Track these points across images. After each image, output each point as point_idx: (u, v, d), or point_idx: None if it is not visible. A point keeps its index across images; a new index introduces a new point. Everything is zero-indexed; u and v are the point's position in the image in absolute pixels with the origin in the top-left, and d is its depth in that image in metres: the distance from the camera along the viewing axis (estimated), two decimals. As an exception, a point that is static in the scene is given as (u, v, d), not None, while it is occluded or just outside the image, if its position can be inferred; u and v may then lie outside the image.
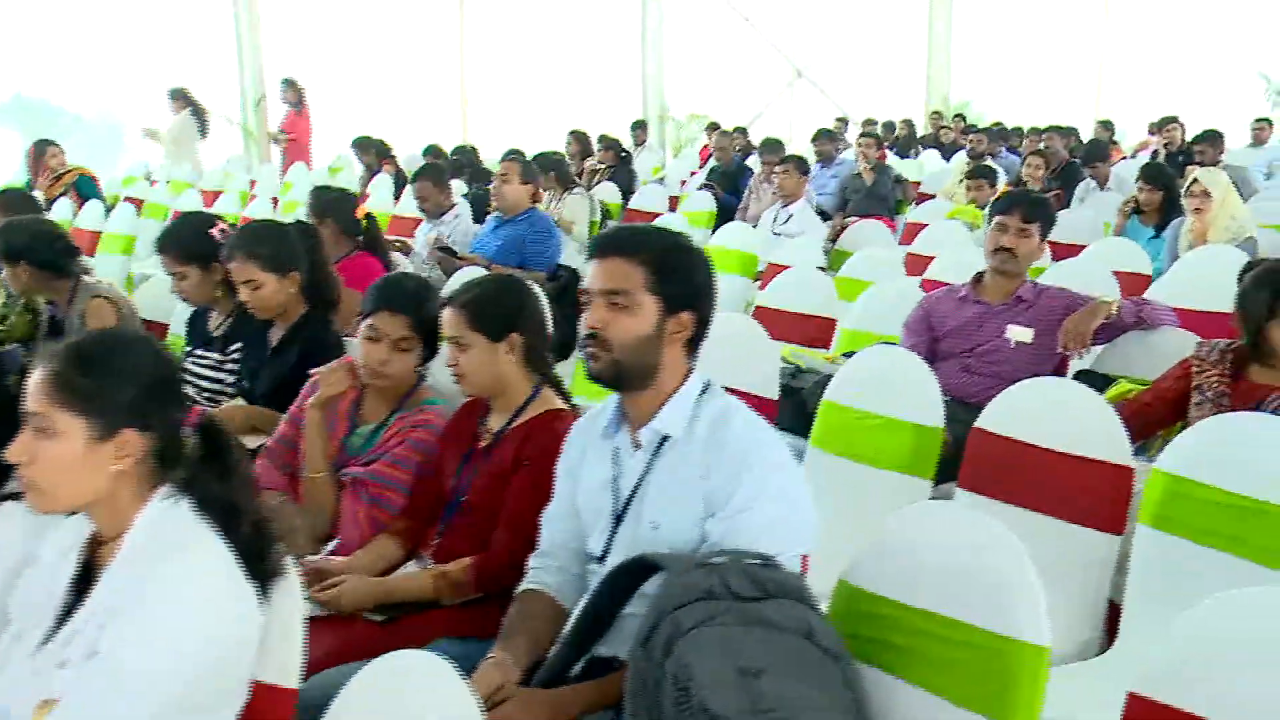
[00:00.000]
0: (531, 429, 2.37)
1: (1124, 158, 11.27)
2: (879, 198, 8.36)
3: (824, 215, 8.57)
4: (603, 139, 9.80)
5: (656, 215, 8.03)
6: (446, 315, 2.38)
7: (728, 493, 1.92)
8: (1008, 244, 3.54)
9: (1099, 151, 7.87)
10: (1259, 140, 10.89)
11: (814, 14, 15.15)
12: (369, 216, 4.48)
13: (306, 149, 10.97)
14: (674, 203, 8.63)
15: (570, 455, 2.16)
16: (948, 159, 11.47)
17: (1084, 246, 5.66)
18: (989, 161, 9.35)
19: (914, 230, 6.54)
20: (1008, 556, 1.81)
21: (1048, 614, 2.55)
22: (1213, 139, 8.48)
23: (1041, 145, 9.55)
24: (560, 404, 2.43)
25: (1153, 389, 3.20)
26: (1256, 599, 1.63)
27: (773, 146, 8.33)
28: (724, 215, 7.75)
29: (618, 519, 2.04)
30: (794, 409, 3.54)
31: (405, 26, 13.07)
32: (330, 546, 2.55)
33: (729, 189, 8.81)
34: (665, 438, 2.01)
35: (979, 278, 3.68)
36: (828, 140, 9.24)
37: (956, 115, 14.00)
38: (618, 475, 2.05)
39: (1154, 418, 3.14)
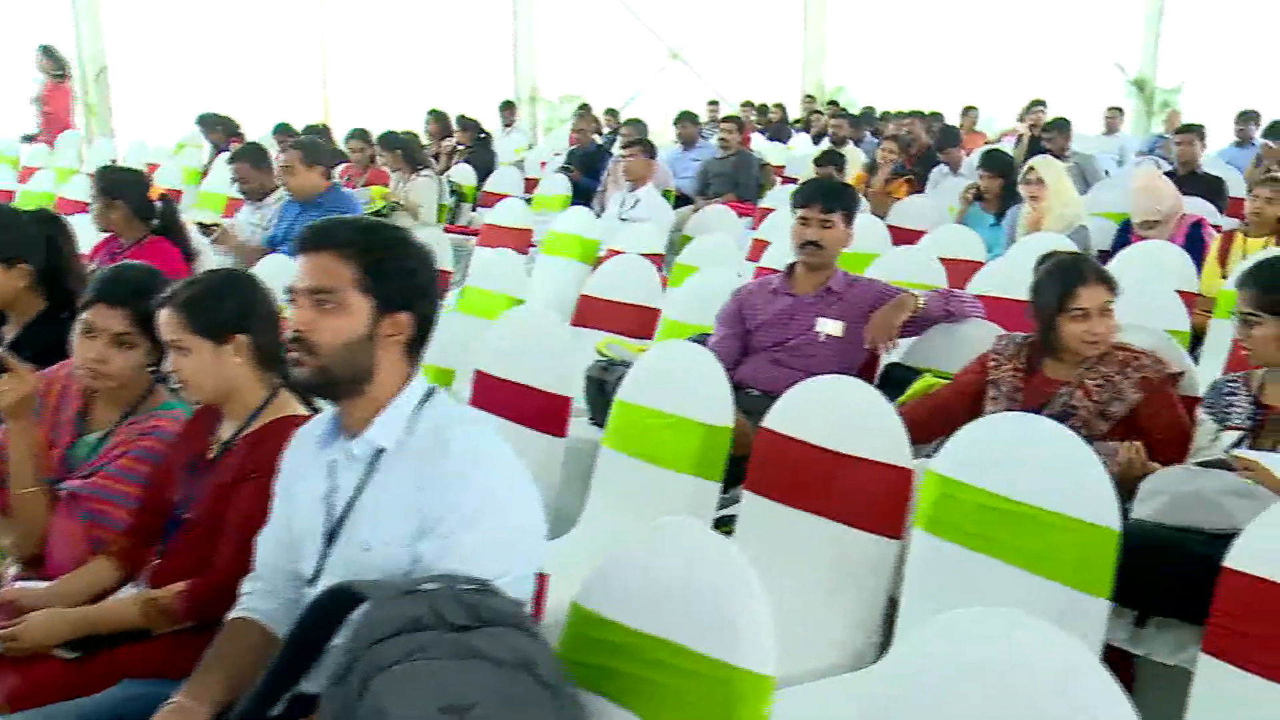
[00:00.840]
0: (261, 437, 2.17)
1: (990, 144, 11.45)
2: (741, 182, 8.31)
3: (687, 199, 8.52)
4: (461, 119, 9.53)
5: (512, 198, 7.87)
6: (163, 316, 2.16)
7: (441, 511, 1.75)
8: (812, 236, 3.45)
9: (951, 137, 7.92)
10: (1111, 129, 11.15)
11: (690, -5, 15.05)
12: (164, 198, 4.19)
13: (66, 122, 10.40)
14: (530, 185, 8.44)
15: (286, 468, 1.97)
16: (819, 143, 11.49)
17: (924, 233, 5.66)
18: (851, 146, 9.39)
19: (764, 215, 6.47)
20: (736, 580, 1.69)
21: (827, 621, 2.50)
22: (1061, 127, 8.61)
23: (903, 130, 9.62)
24: (298, 409, 2.23)
25: (952, 384, 3.15)
26: (971, 622, 1.53)
27: (633, 128, 8.18)
28: (585, 199, 7.59)
29: (329, 538, 1.86)
30: (604, 406, 3.41)
31: (267, 4, 12.56)
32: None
33: (588, 172, 8.63)
34: (380, 450, 1.83)
35: (791, 269, 3.58)
36: (689, 123, 9.13)
37: (830, 100, 14.04)
38: (332, 490, 1.87)
39: (953, 414, 3.06)
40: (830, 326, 3.44)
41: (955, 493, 2.33)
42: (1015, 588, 2.22)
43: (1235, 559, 2.00)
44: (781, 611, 2.50)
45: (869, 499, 2.49)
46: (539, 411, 3.08)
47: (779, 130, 12.95)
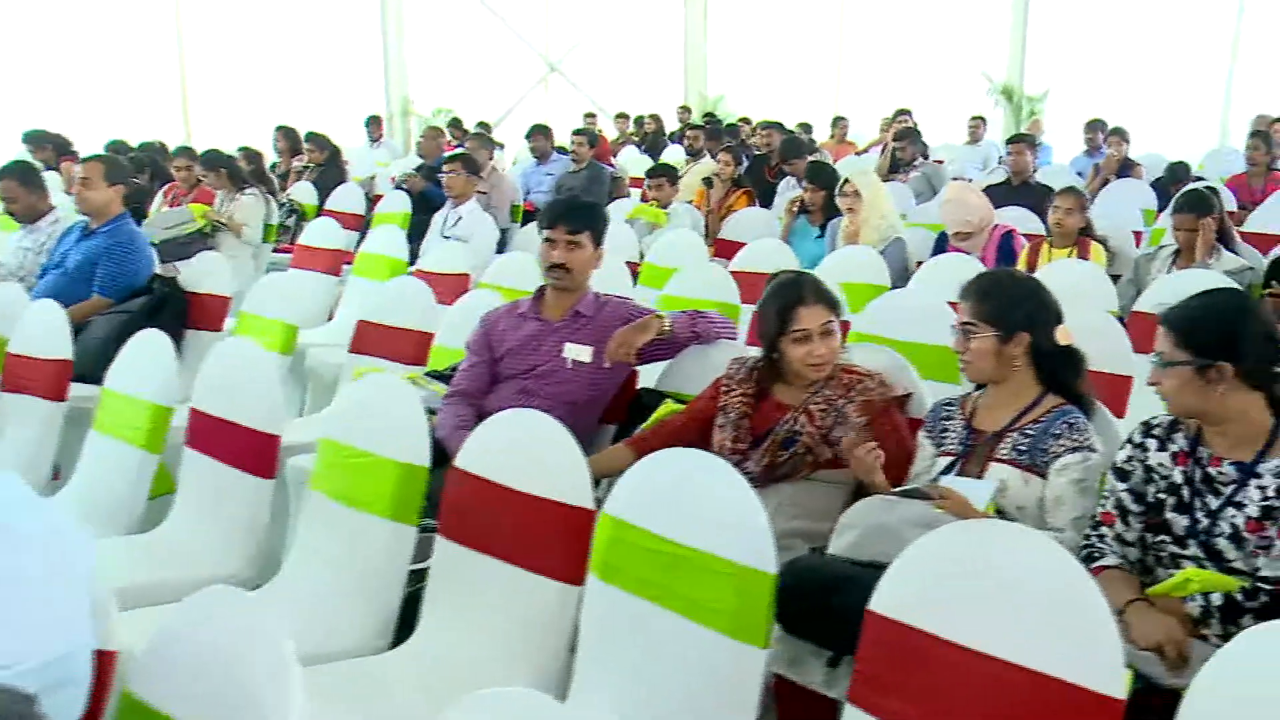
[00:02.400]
0: None
1: (859, 153, 11.48)
2: (593, 196, 8.17)
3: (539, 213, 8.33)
4: (310, 135, 9.24)
5: (356, 215, 7.63)
6: None
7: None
8: (558, 259, 3.29)
9: (795, 148, 7.85)
10: (975, 137, 11.23)
11: (567, 8, 14.91)
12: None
13: None
14: (376, 202, 8.20)
15: None
16: (693, 156, 11.41)
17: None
18: (707, 158, 9.31)
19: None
20: (268, 653, 1.51)
21: (508, 672, 2.33)
22: (910, 136, 8.62)
23: (761, 141, 9.58)
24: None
25: (685, 411, 3.01)
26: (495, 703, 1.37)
27: (477, 140, 7.99)
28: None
29: None
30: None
31: (117, 10, 12.11)
32: None
33: (436, 186, 8.41)
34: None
35: (540, 293, 3.42)
36: (542, 137, 8.96)
37: (707, 112, 13.99)
38: None
39: (686, 442, 2.90)
40: (578, 352, 3.28)
41: (625, 535, 2.18)
42: (680, 638, 2.07)
43: (878, 601, 1.87)
44: (462, 664, 2.36)
45: (551, 542, 2.33)
46: (247, 451, 2.88)
47: (655, 142, 12.86)
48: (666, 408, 3.11)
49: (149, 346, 3.19)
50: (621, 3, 15.14)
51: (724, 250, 6.07)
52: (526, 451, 2.42)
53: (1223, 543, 2.14)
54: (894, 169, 9.04)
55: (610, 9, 15.12)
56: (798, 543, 2.68)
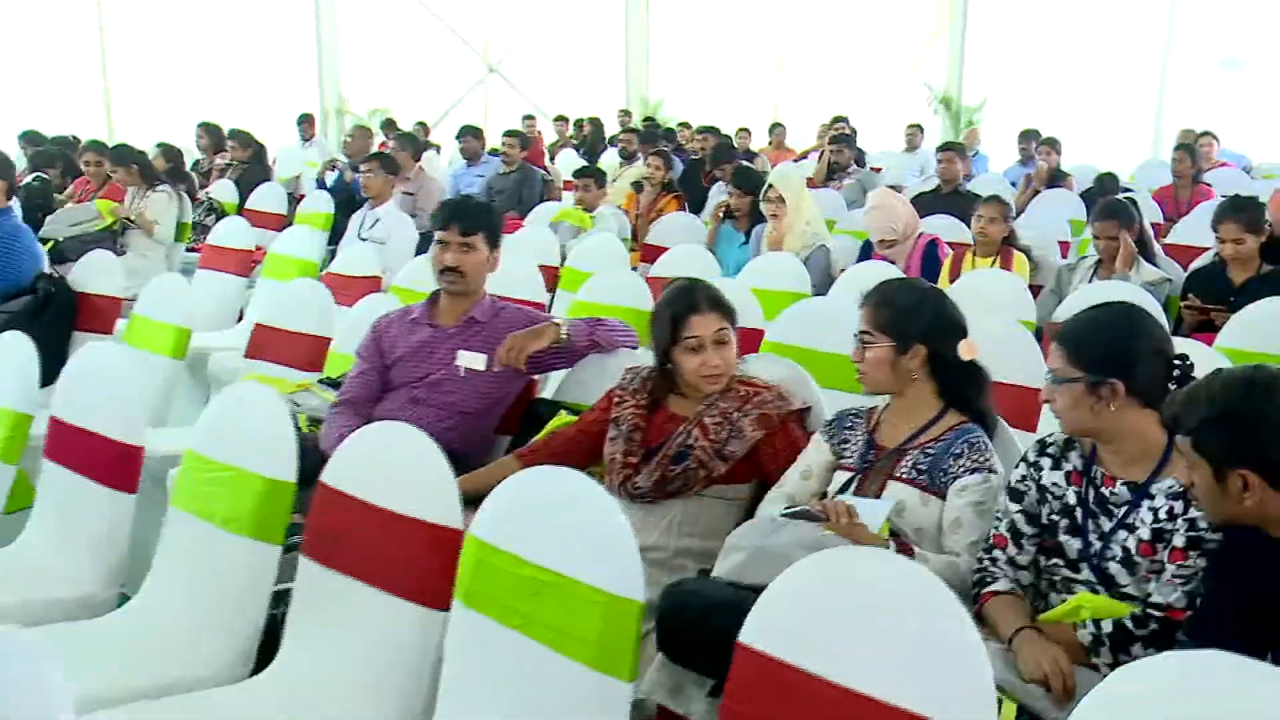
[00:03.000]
0: None
1: (798, 158, 11.44)
2: (524, 198, 8.03)
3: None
4: (234, 132, 8.99)
5: (277, 215, 7.41)
6: None
7: None
8: (451, 262, 3.14)
9: (725, 153, 7.77)
10: (912, 145, 11.23)
11: (507, 9, 14.74)
12: None
13: None
14: (299, 201, 7.98)
15: None
16: (630, 159, 11.29)
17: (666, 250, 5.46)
18: (640, 162, 9.19)
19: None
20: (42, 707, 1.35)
21: (369, 706, 2.18)
22: (845, 142, 8.58)
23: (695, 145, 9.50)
24: None
25: (577, 423, 2.87)
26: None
27: (400, 141, 7.80)
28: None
29: None
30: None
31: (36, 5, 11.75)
32: None
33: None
34: None
35: (435, 298, 3.27)
36: (473, 138, 8.80)
37: (647, 117, 13.88)
38: None
39: (577, 456, 2.80)
40: (472, 360, 3.13)
41: (490, 559, 2.04)
42: (543, 669, 1.93)
43: (746, 632, 1.75)
44: (323, 693, 2.21)
45: (416, 564, 2.19)
46: (107, 462, 2.70)
47: (593, 145, 12.72)
48: (560, 419, 2.98)
49: (9, 349, 2.99)
50: (562, 5, 14.99)
51: (650, 255, 5.95)
52: (393, 467, 2.28)
53: (1114, 566, 2.06)
54: (831, 175, 9.02)
55: (551, 11, 14.97)
56: (689, 562, 2.57)
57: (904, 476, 2.37)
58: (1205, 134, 9.40)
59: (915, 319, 2.41)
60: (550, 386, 3.32)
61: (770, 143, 11.81)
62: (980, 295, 4.34)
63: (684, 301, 2.67)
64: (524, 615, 1.98)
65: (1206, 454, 1.75)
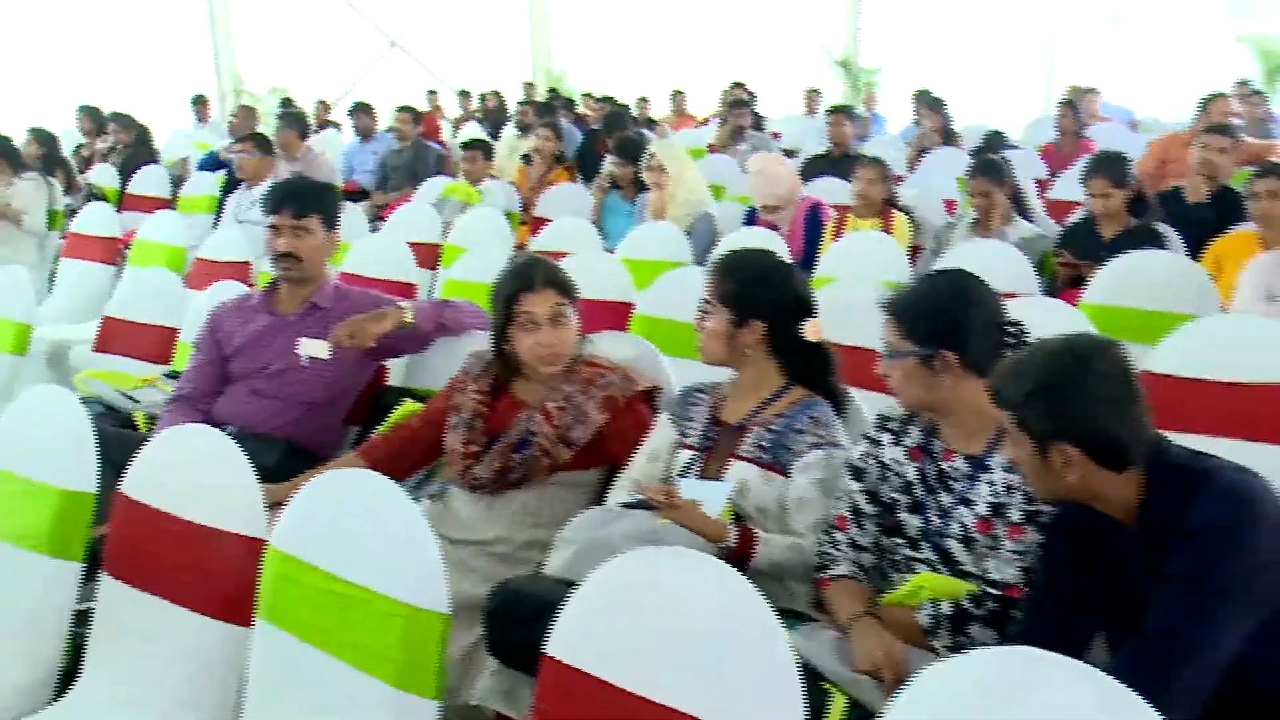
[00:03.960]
0: None
1: (700, 124, 11.25)
2: (419, 174, 7.74)
3: (364, 193, 7.88)
4: (114, 115, 8.55)
5: (158, 200, 7.04)
6: None
7: None
8: (285, 247, 2.91)
9: (617, 122, 7.56)
10: (811, 109, 11.11)
11: (408, -18, 14.29)
12: None
13: None
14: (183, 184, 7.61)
15: None
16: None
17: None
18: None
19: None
20: None
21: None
22: (741, 107, 8.42)
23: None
24: None
25: (422, 412, 2.68)
26: None
27: (291, 120, 7.45)
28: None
29: None
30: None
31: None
32: None
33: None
34: None
35: (275, 284, 3.04)
36: (365, 115, 8.48)
37: (550, 89, 13.56)
38: None
39: (424, 448, 2.61)
40: (315, 348, 2.91)
41: (291, 571, 1.85)
42: (346, 688, 1.75)
43: (551, 641, 1.58)
44: (127, 717, 2.00)
45: (219, 579, 1.98)
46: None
47: (496, 119, 12.40)
48: (406, 408, 2.78)
49: None
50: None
51: (540, 228, 5.73)
52: (195, 474, 2.06)
53: (953, 544, 1.92)
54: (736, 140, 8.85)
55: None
56: (537, 555, 2.39)
57: (746, 455, 2.21)
58: (1089, 90, 9.43)
59: (756, 294, 2.25)
60: (400, 373, 3.11)
61: (672, 110, 11.61)
62: (857, 257, 4.23)
63: (519, 279, 2.48)
64: (325, 631, 1.79)
65: (1028, 429, 1.61)
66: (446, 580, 1.70)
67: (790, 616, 2.01)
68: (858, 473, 2.05)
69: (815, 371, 2.27)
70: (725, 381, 2.35)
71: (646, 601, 1.52)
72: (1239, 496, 1.53)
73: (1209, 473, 1.56)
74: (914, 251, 4.78)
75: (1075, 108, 7.43)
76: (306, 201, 2.92)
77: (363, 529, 1.79)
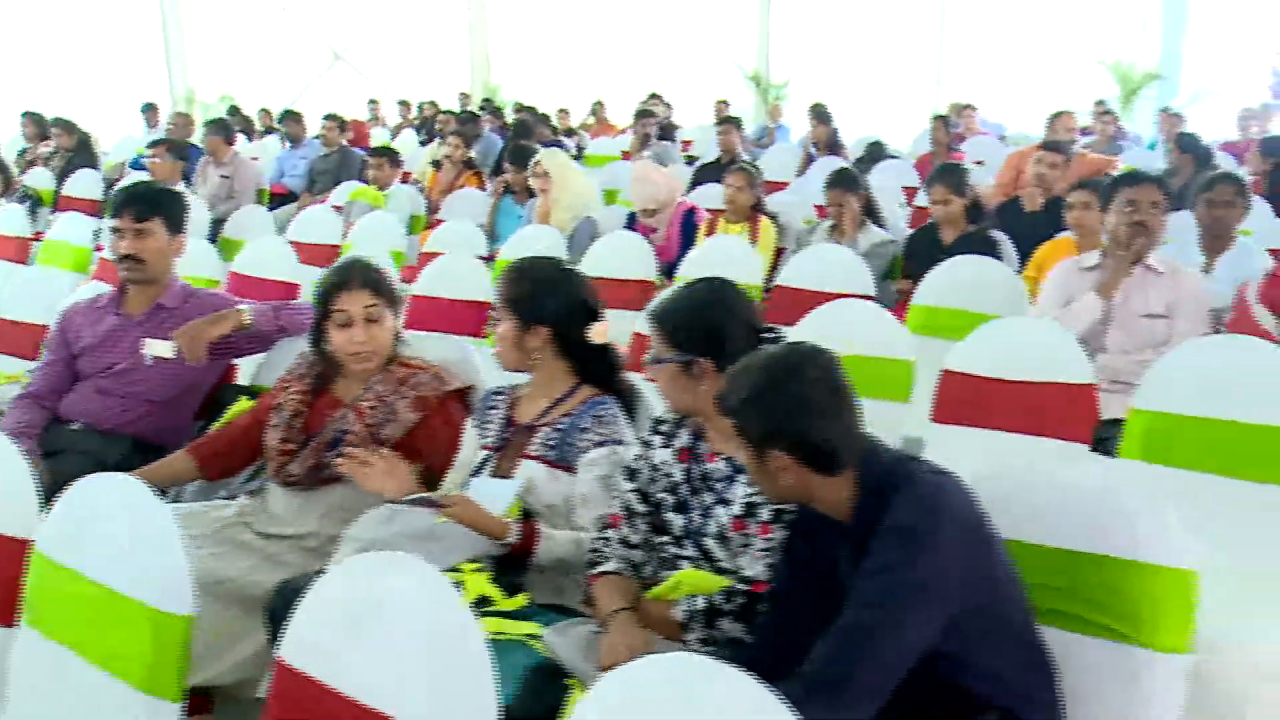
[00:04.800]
0: None
1: (619, 134, 11.12)
2: (343, 180, 7.52)
3: (294, 196, 7.66)
4: (56, 120, 8.22)
5: (93, 202, 6.77)
6: None
7: None
8: (127, 249, 2.75)
9: (525, 130, 7.41)
10: (720, 119, 10.98)
11: (353, -3, 13.98)
12: None
13: None
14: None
15: None
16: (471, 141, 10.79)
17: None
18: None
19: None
20: None
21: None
22: (647, 116, 8.32)
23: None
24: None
25: (251, 410, 2.53)
26: None
27: (213, 127, 7.19)
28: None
29: None
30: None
31: None
32: None
33: (188, 171, 7.59)
34: None
35: (124, 285, 2.87)
36: (294, 122, 8.24)
37: (485, 99, 13.35)
38: None
39: (252, 445, 2.45)
40: (159, 348, 2.75)
41: (49, 573, 1.70)
42: (97, 695, 1.61)
43: (283, 646, 1.46)
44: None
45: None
46: None
47: (431, 128, 12.17)
48: (239, 406, 2.63)
49: None
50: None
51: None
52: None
53: (711, 542, 1.83)
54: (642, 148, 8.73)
55: (396, -1, 14.25)
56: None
57: (535, 453, 2.10)
58: (967, 106, 9.45)
59: (541, 300, 2.14)
60: (251, 371, 2.96)
61: (594, 119, 11.46)
62: (717, 259, 4.13)
63: (335, 277, 2.36)
64: (78, 634, 1.65)
65: (746, 435, 1.52)
66: (193, 582, 1.57)
67: (562, 612, 1.92)
68: (631, 473, 1.95)
69: (603, 372, 2.17)
70: (523, 383, 2.24)
71: (361, 606, 1.40)
72: (932, 499, 1.45)
73: (909, 476, 1.48)
74: (778, 254, 4.71)
75: (947, 122, 7.41)
76: (149, 205, 2.76)
77: (114, 532, 1.65)
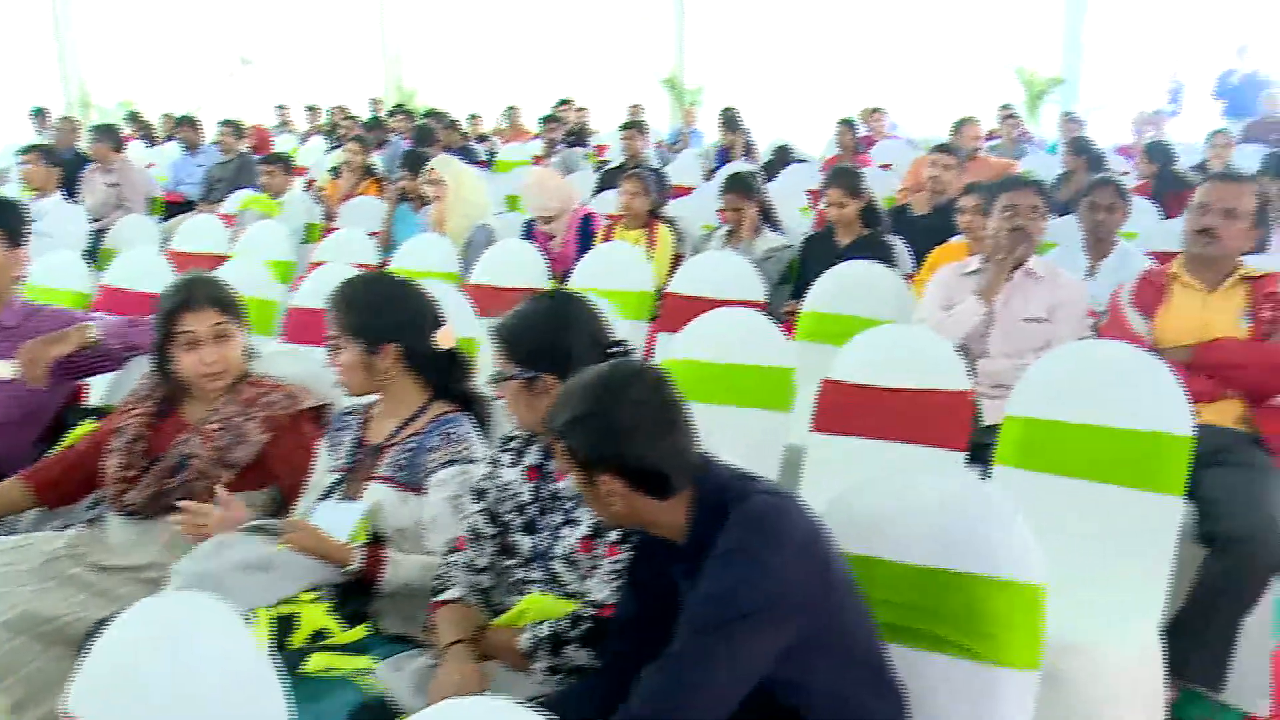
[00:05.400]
0: None
1: (533, 138, 11.01)
2: (242, 187, 7.30)
3: (191, 205, 7.41)
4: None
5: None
6: None
7: None
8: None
9: (426, 136, 7.28)
10: (633, 126, 10.94)
11: (259, 1, 13.62)
12: None
13: None
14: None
15: None
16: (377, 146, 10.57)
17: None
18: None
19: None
20: None
21: None
22: (552, 121, 8.23)
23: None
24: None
25: (91, 434, 2.38)
26: None
27: (104, 132, 6.92)
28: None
29: None
30: None
31: None
32: None
33: (69, 180, 7.28)
34: None
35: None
36: (190, 128, 7.97)
37: (398, 104, 13.11)
38: None
39: (90, 471, 2.30)
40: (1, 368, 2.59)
41: None
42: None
43: (72, 700, 1.34)
44: None
45: None
46: None
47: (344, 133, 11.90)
48: (82, 429, 2.48)
49: None
50: (317, -3, 13.99)
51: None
52: None
53: (559, 565, 1.75)
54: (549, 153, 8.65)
55: (305, 2, 13.93)
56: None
57: (383, 475, 2.01)
58: (877, 109, 9.54)
59: (383, 318, 2.04)
60: (103, 391, 2.81)
61: (507, 125, 11.34)
62: (609, 267, 4.07)
63: (177, 297, 2.23)
64: None
65: (572, 457, 1.45)
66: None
67: (406, 643, 1.83)
68: (479, 494, 1.87)
69: (454, 380, 2.08)
70: (377, 401, 2.14)
71: (149, 652, 1.29)
72: (766, 520, 1.39)
73: (744, 496, 1.42)
74: (676, 260, 4.65)
75: (852, 125, 7.45)
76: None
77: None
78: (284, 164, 5.93)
